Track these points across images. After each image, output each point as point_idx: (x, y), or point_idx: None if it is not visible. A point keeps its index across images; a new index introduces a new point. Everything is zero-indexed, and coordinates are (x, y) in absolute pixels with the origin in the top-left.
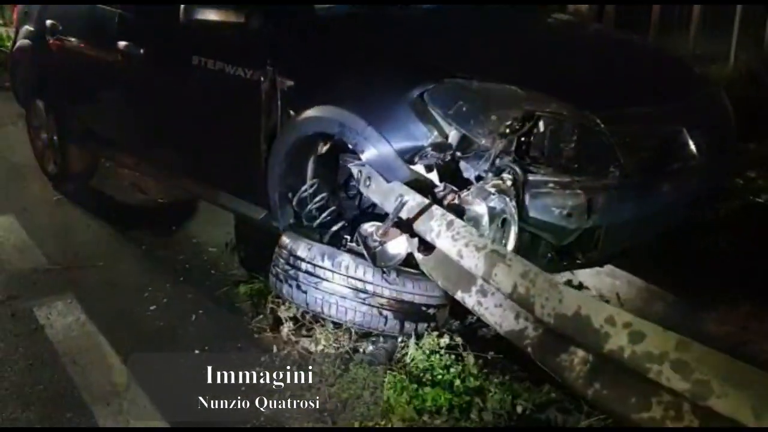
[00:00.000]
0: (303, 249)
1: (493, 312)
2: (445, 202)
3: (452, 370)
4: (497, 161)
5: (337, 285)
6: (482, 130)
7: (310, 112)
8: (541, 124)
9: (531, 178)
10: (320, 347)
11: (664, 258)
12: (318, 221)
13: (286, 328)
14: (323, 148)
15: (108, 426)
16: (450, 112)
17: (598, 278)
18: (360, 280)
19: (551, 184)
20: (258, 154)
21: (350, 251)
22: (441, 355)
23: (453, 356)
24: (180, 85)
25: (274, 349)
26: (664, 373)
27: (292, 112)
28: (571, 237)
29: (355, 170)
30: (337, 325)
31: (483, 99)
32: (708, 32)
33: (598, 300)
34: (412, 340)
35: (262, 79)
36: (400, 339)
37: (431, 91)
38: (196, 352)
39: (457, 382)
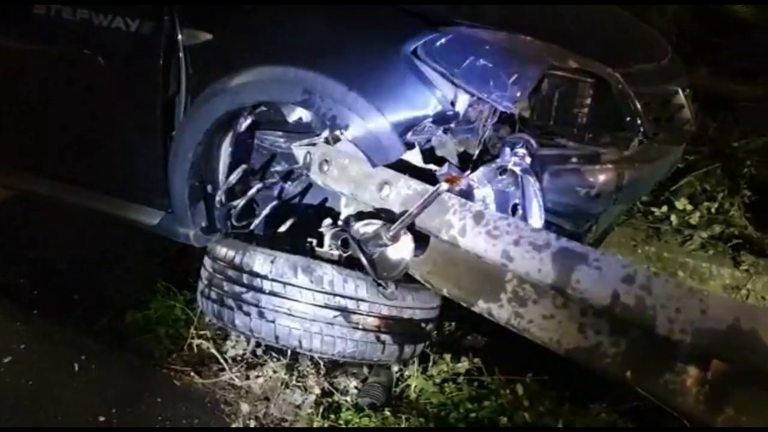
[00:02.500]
0: (262, 262)
1: (544, 325)
2: (456, 188)
3: (487, 403)
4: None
5: (319, 308)
6: (504, 93)
7: (248, 77)
8: (561, 84)
9: (550, 152)
10: (281, 389)
11: None
12: (256, 221)
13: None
14: (244, 125)
15: None
16: (457, 71)
17: None
18: (351, 298)
19: (574, 159)
20: (151, 138)
21: (323, 260)
22: (458, 384)
23: (475, 383)
24: (19, 44)
25: (214, 400)
26: None
27: (208, 78)
28: (589, 223)
29: (301, 152)
30: (293, 356)
31: (504, 53)
32: None
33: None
34: (414, 368)
35: (155, 32)
36: (396, 368)
37: (430, 43)
38: (101, 419)
39: (503, 420)
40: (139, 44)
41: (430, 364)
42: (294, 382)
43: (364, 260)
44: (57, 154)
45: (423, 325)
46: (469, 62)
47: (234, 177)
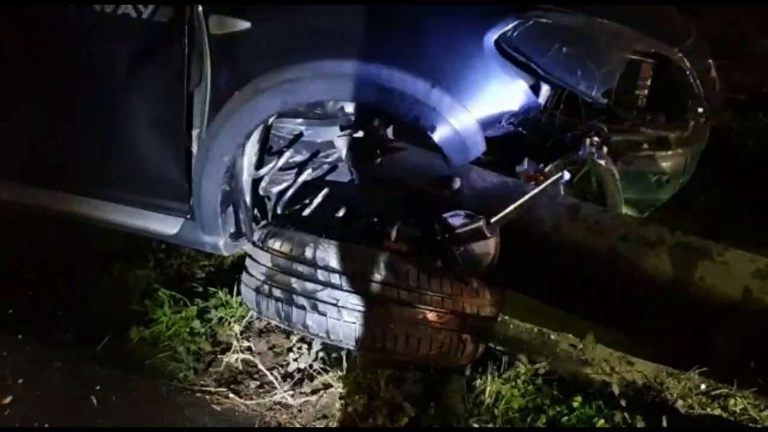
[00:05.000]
0: (338, 256)
1: (641, 321)
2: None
3: (575, 404)
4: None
5: (405, 307)
6: (594, 83)
7: (304, 72)
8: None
9: (622, 138)
10: (340, 405)
11: None
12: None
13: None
14: (272, 118)
15: None
16: (542, 60)
17: None
18: (436, 295)
19: (646, 145)
20: (169, 138)
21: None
22: (536, 385)
23: (555, 384)
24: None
25: (265, 423)
26: None
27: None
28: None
29: (344, 143)
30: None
31: (589, 39)
32: None
33: None
34: (488, 371)
35: (177, 22)
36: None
37: (512, 31)
38: None
39: (601, 421)
40: (156, 33)
41: (503, 366)
42: (354, 396)
43: (452, 255)
44: (56, 162)
45: (494, 321)
46: (554, 50)
47: (281, 163)
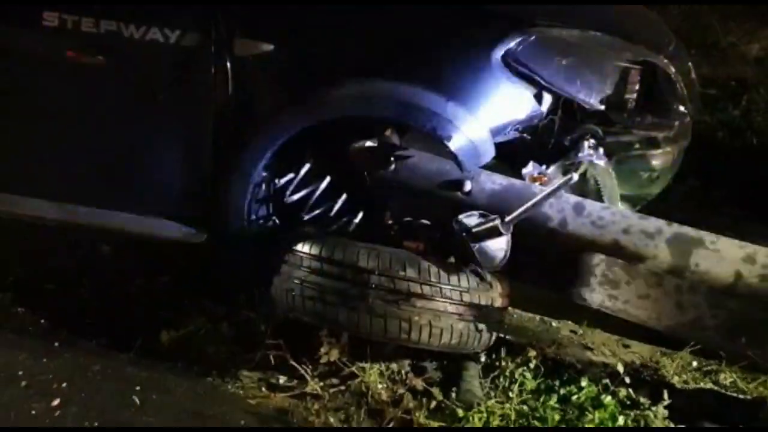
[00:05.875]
0: (367, 257)
1: (640, 305)
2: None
3: (584, 383)
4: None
5: (427, 300)
6: (591, 91)
7: (329, 91)
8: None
9: (615, 139)
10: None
11: None
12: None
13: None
14: None
15: None
16: (544, 72)
17: None
18: (456, 289)
19: (637, 145)
20: (204, 155)
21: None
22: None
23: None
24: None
25: (299, 414)
26: None
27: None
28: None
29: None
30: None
31: (585, 51)
32: None
33: None
34: (502, 356)
35: (203, 43)
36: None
37: (517, 46)
38: None
39: (608, 398)
40: (184, 56)
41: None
42: (379, 385)
43: (468, 252)
44: (84, 175)
45: (504, 311)
46: (554, 63)
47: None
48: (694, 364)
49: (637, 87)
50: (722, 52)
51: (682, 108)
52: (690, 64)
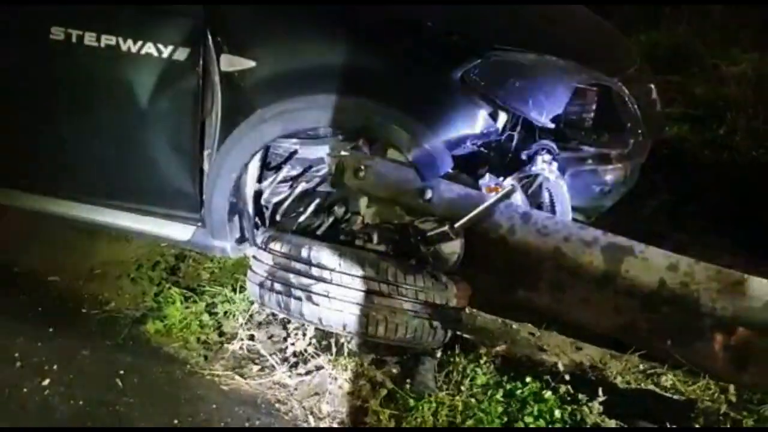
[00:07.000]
0: (330, 256)
1: (582, 308)
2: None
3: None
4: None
5: (384, 298)
6: (542, 110)
7: (303, 104)
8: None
9: (569, 155)
10: (331, 384)
11: None
12: (302, 217)
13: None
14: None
15: None
16: (499, 92)
17: None
18: (411, 288)
19: (590, 160)
20: (185, 158)
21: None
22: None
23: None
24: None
25: (266, 400)
26: None
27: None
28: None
29: (332, 160)
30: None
31: (538, 73)
32: None
33: None
34: (456, 353)
35: (192, 58)
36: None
37: (475, 68)
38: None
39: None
40: (174, 70)
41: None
42: (342, 375)
43: (426, 255)
44: (83, 174)
45: (460, 311)
46: (509, 84)
47: (279, 177)
48: (641, 366)
49: (593, 106)
50: (707, 74)
51: (637, 128)
52: (652, 85)
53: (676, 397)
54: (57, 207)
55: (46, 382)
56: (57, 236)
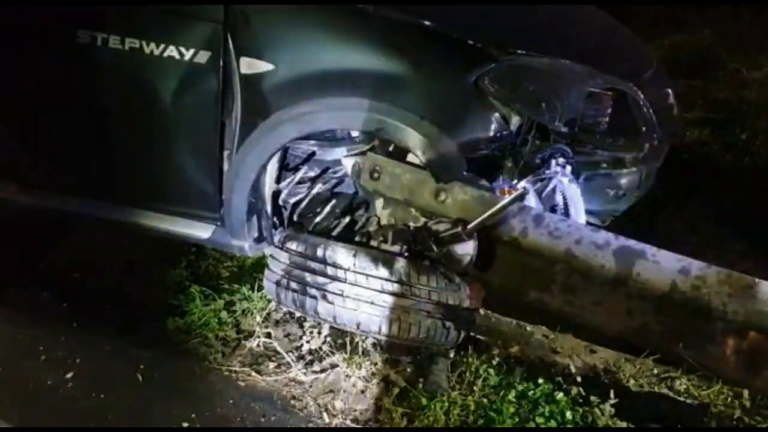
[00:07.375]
0: (345, 256)
1: (594, 311)
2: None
3: (541, 380)
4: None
5: (398, 297)
6: (556, 114)
7: (319, 106)
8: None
9: (584, 159)
10: (345, 381)
11: None
12: (318, 218)
13: (298, 361)
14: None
15: None
16: (513, 95)
17: None
18: (424, 288)
19: (604, 164)
20: (205, 158)
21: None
22: (510, 365)
23: (525, 366)
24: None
25: (282, 396)
26: None
27: (271, 105)
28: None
29: (349, 161)
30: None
31: (552, 78)
32: None
33: None
34: (469, 353)
35: (213, 61)
36: (451, 355)
37: (490, 72)
38: (185, 425)
39: (560, 395)
40: (198, 72)
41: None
42: (356, 374)
43: (436, 256)
44: (106, 174)
45: (474, 312)
46: (522, 88)
47: (297, 178)
48: (654, 370)
49: (608, 111)
50: (729, 79)
51: (652, 132)
52: (669, 90)
53: (689, 401)
54: (83, 207)
55: (69, 375)
56: (81, 235)
